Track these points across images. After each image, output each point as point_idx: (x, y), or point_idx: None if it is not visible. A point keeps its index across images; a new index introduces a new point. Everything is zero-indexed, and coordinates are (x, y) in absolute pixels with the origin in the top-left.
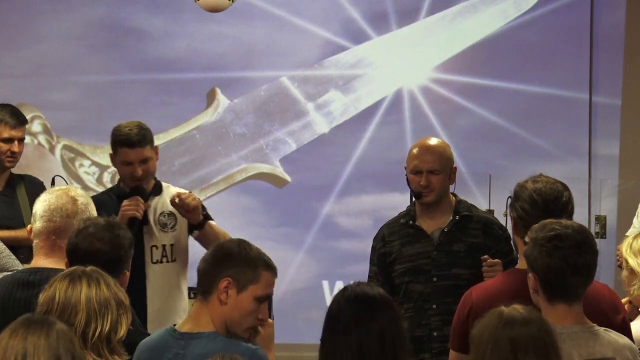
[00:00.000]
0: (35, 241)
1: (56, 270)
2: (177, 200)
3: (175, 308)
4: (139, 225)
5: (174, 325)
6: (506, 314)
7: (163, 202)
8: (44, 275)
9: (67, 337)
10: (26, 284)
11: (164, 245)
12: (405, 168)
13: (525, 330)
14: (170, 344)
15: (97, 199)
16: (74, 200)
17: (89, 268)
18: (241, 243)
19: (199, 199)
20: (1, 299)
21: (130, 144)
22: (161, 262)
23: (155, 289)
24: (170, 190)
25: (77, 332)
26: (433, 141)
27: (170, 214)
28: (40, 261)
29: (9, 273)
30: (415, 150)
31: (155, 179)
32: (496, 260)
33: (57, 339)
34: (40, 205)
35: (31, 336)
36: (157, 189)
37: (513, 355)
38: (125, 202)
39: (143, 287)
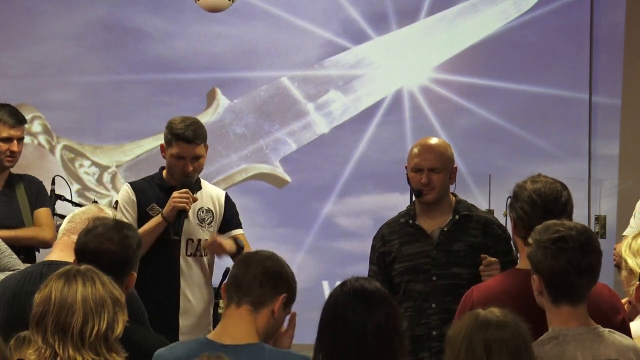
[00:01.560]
0: (56, 242)
1: (68, 264)
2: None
3: (205, 302)
4: (184, 217)
5: (205, 336)
6: (482, 316)
7: (202, 198)
8: (58, 268)
9: None
10: (39, 276)
11: (199, 240)
12: (406, 167)
13: (499, 333)
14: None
15: (139, 185)
16: (99, 209)
17: (83, 267)
18: (281, 258)
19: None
20: (13, 292)
21: (187, 139)
22: (195, 255)
23: (188, 282)
24: (207, 187)
25: (74, 332)
26: (434, 140)
27: (209, 210)
28: (55, 255)
29: (19, 269)
30: (416, 149)
31: None
32: (493, 259)
33: None
34: (70, 214)
35: None
36: (198, 185)
37: (487, 357)
38: (175, 194)
39: (176, 278)
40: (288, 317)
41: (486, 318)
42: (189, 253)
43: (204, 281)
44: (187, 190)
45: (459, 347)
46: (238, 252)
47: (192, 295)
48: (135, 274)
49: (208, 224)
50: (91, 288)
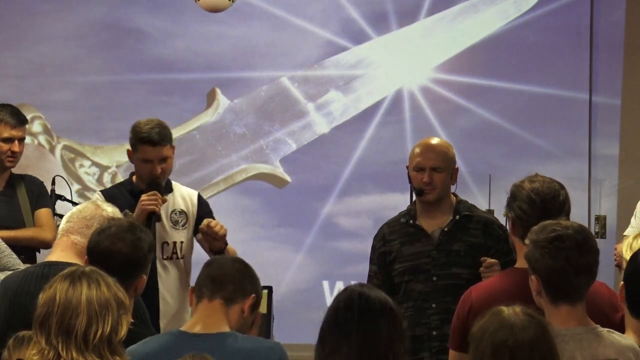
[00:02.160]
0: (55, 242)
1: (70, 264)
2: (206, 229)
3: (185, 304)
4: (155, 220)
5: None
6: (506, 318)
7: (175, 200)
8: (59, 269)
9: None
10: (40, 277)
11: (174, 242)
12: (407, 167)
13: (525, 335)
14: (184, 346)
15: (108, 193)
16: (97, 206)
17: (88, 268)
18: (248, 263)
19: (225, 228)
20: (14, 292)
21: (152, 142)
22: (171, 258)
23: (166, 285)
24: (178, 188)
25: (78, 334)
26: (437, 140)
27: (182, 212)
28: (55, 255)
29: (18, 269)
30: (418, 149)
31: None
32: (493, 260)
33: None
34: (68, 212)
35: None
36: (169, 187)
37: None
38: (144, 197)
39: (155, 282)
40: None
41: (510, 319)
42: (164, 256)
43: (181, 283)
44: (155, 192)
45: (484, 349)
46: (223, 250)
47: (171, 297)
48: (146, 277)
49: (182, 226)
50: (96, 290)
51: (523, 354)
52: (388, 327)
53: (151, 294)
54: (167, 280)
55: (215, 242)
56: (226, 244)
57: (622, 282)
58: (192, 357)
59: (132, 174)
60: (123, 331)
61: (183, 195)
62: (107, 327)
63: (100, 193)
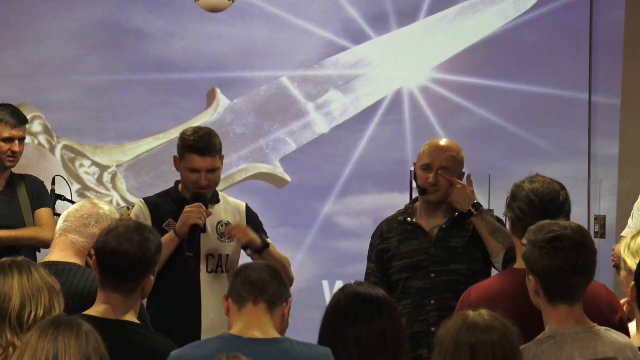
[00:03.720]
0: (53, 242)
1: (70, 264)
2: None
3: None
4: (200, 232)
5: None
6: (470, 319)
7: (221, 211)
8: (60, 269)
9: (95, 338)
10: None
11: (220, 255)
12: (415, 164)
13: (486, 337)
14: (241, 350)
15: (152, 202)
16: (94, 205)
17: (20, 258)
18: None
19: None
20: None
21: (200, 151)
22: (216, 271)
23: (210, 300)
24: (227, 200)
25: (12, 317)
26: (448, 143)
27: (228, 224)
28: (55, 255)
29: None
30: (428, 148)
31: None
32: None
33: (87, 340)
34: (64, 212)
35: (61, 337)
36: (215, 197)
37: None
38: (187, 208)
39: (197, 296)
40: None
41: (474, 321)
42: (209, 270)
43: None
44: (200, 204)
45: (446, 349)
46: (263, 248)
47: (215, 312)
48: (153, 278)
49: (229, 239)
50: (27, 276)
51: (484, 353)
52: (387, 324)
53: (194, 308)
54: (211, 295)
55: (245, 245)
56: (266, 242)
57: (632, 283)
58: (226, 357)
59: (177, 183)
60: (57, 314)
61: (230, 207)
62: (40, 309)
63: (143, 201)
